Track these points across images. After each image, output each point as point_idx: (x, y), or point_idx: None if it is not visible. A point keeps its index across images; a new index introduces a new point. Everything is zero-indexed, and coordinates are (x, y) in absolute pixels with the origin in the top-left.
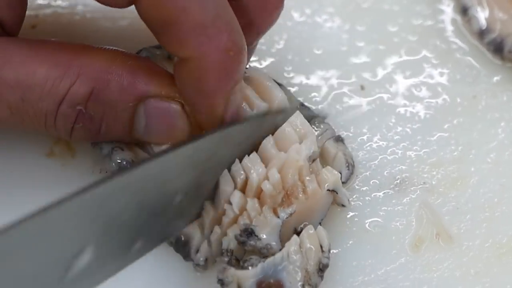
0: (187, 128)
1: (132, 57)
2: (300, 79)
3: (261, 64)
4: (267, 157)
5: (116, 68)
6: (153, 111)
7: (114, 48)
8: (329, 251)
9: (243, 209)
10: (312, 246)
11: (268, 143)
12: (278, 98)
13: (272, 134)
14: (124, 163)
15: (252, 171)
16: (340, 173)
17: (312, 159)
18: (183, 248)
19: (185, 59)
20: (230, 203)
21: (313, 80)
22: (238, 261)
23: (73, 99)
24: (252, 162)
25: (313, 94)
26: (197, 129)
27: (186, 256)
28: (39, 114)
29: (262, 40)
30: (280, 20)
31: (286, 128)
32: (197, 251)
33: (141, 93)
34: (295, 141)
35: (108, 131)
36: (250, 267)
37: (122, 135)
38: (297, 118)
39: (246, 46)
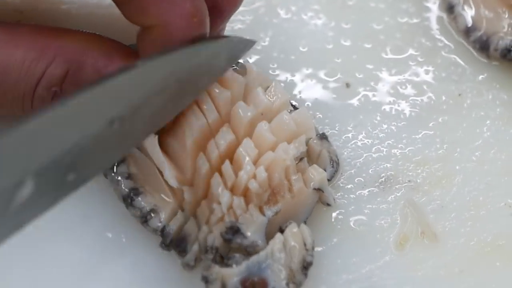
0: None
1: (106, 40)
2: (285, 76)
3: (247, 62)
4: (261, 142)
5: (92, 51)
6: None
7: (90, 31)
8: (313, 249)
9: (229, 207)
10: (296, 244)
11: (263, 127)
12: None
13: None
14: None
15: (242, 172)
16: (325, 170)
17: (299, 158)
18: (179, 244)
19: (148, 28)
20: (219, 203)
21: (299, 78)
22: (223, 259)
23: (49, 80)
24: (243, 158)
25: (298, 91)
26: None
27: (182, 252)
28: (17, 97)
29: (248, 36)
30: (265, 17)
31: (285, 116)
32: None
33: None
34: (291, 130)
35: None
36: (234, 265)
37: None
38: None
39: (208, 13)
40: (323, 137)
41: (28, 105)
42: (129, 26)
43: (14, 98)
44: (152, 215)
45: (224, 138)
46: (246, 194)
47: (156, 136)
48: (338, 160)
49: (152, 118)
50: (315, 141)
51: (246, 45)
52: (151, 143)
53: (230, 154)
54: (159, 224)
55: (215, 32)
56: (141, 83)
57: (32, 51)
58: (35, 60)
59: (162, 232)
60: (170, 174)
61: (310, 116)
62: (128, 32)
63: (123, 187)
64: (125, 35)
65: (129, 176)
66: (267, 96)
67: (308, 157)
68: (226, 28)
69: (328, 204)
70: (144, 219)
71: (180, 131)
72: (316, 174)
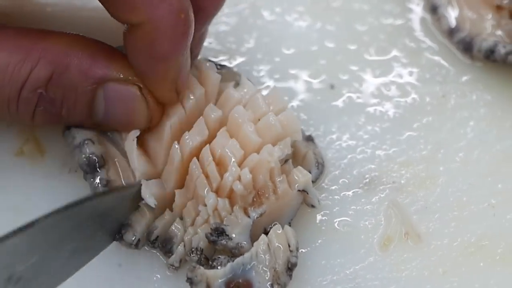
0: (146, 112)
1: (91, 42)
2: (270, 78)
3: (231, 63)
4: (246, 143)
5: (76, 52)
6: (112, 94)
7: (74, 33)
8: (297, 250)
9: (215, 209)
10: (280, 245)
11: (248, 129)
12: (213, 79)
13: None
14: (94, 158)
15: (227, 174)
16: (310, 172)
17: (284, 160)
18: (165, 245)
19: (136, 25)
20: (205, 205)
21: (283, 79)
22: (208, 260)
23: (34, 83)
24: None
25: (282, 93)
26: (155, 111)
27: (168, 252)
28: (2, 101)
29: (232, 39)
30: (250, 19)
31: (270, 117)
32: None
33: (100, 77)
34: (277, 132)
35: (69, 114)
36: (219, 267)
37: (83, 119)
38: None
39: (192, 10)
40: (309, 138)
41: (13, 108)
42: (115, 28)
43: (0, 102)
44: (128, 229)
45: (200, 133)
46: (231, 195)
47: (136, 136)
48: (323, 162)
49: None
50: (301, 142)
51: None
52: (130, 142)
53: (199, 151)
54: (133, 239)
55: (198, 33)
56: (37, 242)
57: (16, 54)
58: (19, 63)
59: (136, 245)
60: (138, 165)
61: (297, 119)
62: (115, 34)
63: None
64: (111, 36)
65: (107, 184)
66: (266, 101)
67: (293, 158)
68: (211, 30)
69: (313, 206)
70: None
71: (160, 129)
72: (301, 176)
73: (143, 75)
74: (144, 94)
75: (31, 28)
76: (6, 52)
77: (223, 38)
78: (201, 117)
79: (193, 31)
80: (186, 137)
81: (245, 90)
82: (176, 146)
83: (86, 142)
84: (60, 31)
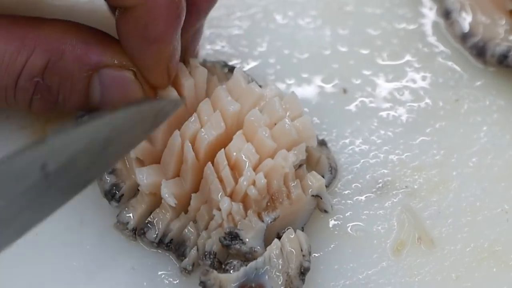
0: (141, 96)
1: (85, 28)
2: (282, 82)
3: (243, 67)
4: (261, 148)
5: (70, 39)
6: (107, 80)
7: (68, 20)
8: (309, 254)
9: (229, 213)
10: (292, 249)
11: (264, 133)
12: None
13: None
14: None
15: (242, 178)
16: (323, 177)
17: (298, 165)
18: (178, 247)
19: (130, 9)
20: (219, 209)
21: (296, 83)
22: (221, 264)
23: (31, 71)
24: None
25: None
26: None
27: (181, 255)
28: (0, 90)
29: (244, 42)
30: (262, 23)
31: (286, 123)
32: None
33: (95, 63)
34: (292, 138)
35: (65, 100)
36: (232, 271)
37: (80, 105)
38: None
39: None
40: (322, 143)
41: (11, 96)
42: (109, 17)
43: None
44: (150, 226)
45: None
46: (245, 200)
47: None
48: (336, 166)
49: (77, 177)
50: (314, 147)
51: (174, 105)
52: None
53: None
54: (155, 236)
55: (193, 29)
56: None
57: (12, 43)
58: (15, 52)
59: (158, 244)
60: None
61: (312, 125)
62: (108, 23)
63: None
64: (105, 25)
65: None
66: (282, 106)
67: (307, 162)
68: (223, 34)
69: (326, 211)
70: (142, 231)
71: None
72: (315, 181)
73: (136, 60)
74: (138, 78)
75: (25, 16)
76: (2, 42)
77: (235, 41)
78: (217, 110)
79: (185, 13)
80: (203, 133)
81: (268, 89)
82: (189, 144)
83: None
84: (54, 18)
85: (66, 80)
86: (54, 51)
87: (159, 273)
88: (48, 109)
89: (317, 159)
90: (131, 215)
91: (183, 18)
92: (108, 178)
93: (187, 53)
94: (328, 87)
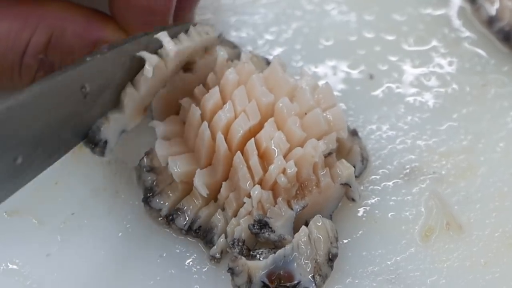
0: None
1: (84, 8)
2: (308, 68)
3: (270, 54)
4: (291, 137)
5: (71, 16)
6: None
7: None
8: (336, 240)
9: (258, 201)
10: (320, 236)
11: (294, 123)
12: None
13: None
14: None
15: (272, 166)
16: (354, 167)
17: (328, 153)
18: (206, 235)
19: None
20: (249, 197)
21: (322, 70)
22: (249, 251)
23: (35, 48)
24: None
25: (321, 84)
26: None
27: (209, 242)
28: (6, 68)
29: (270, 29)
30: (288, 10)
31: (317, 113)
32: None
33: (96, 38)
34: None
35: None
36: (261, 258)
37: None
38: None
39: None
40: (354, 133)
41: (16, 74)
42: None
43: (3, 69)
44: (179, 213)
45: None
46: (274, 188)
47: None
48: (368, 156)
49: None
50: (345, 138)
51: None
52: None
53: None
54: (184, 223)
55: (187, 16)
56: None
57: (16, 21)
58: (19, 30)
59: (187, 231)
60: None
61: (344, 116)
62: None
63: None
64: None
65: (151, 170)
66: (314, 96)
67: (337, 152)
68: (249, 21)
69: (353, 200)
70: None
71: None
72: (344, 170)
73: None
74: None
75: None
76: (7, 21)
77: (261, 29)
78: (252, 100)
79: None
80: (236, 125)
81: (304, 79)
82: (221, 136)
83: None
84: None
85: (68, 56)
86: (56, 28)
87: (187, 260)
88: None
89: (348, 149)
90: (163, 202)
91: None
92: (149, 177)
93: (182, 16)
94: (355, 73)
